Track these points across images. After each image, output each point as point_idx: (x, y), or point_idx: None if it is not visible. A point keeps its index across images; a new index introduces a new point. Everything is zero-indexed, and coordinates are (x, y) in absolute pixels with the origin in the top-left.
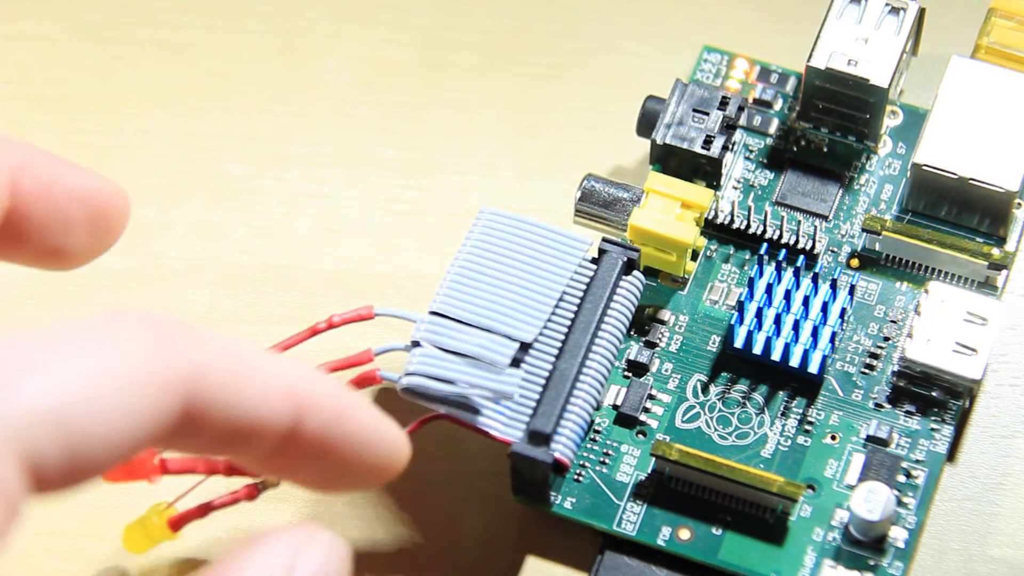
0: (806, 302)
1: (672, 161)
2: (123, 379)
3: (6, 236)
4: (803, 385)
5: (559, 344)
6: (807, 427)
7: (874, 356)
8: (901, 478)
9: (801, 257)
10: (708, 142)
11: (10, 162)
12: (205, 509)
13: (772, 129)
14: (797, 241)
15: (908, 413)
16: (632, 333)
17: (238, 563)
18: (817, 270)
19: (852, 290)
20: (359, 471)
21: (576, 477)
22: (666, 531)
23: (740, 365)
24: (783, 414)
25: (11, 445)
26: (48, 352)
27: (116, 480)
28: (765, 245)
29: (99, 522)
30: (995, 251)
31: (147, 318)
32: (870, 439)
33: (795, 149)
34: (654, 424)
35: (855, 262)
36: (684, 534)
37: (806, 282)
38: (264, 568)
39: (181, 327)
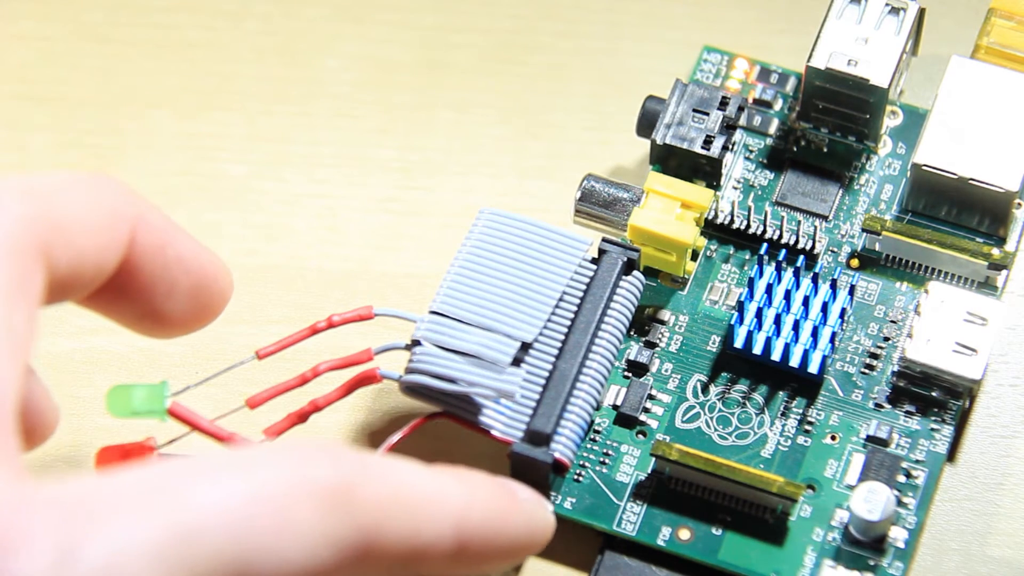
0: (806, 302)
1: (672, 161)
2: (300, 511)
3: (113, 290)
4: (803, 385)
5: (559, 344)
6: (807, 427)
7: (874, 356)
8: (901, 478)
9: (801, 257)
10: (708, 142)
11: (133, 214)
12: None
13: (772, 129)
14: (797, 241)
15: (908, 413)
16: (632, 333)
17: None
18: (817, 270)
19: (852, 290)
20: (512, 558)
21: (576, 477)
22: (666, 531)
23: (740, 365)
24: (783, 414)
25: (164, 560)
26: (227, 470)
27: None
28: (765, 245)
29: None
30: (995, 251)
31: (328, 453)
32: (870, 439)
33: (795, 149)
34: (654, 424)
35: (855, 262)
36: (684, 534)
37: (806, 282)
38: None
39: (356, 461)
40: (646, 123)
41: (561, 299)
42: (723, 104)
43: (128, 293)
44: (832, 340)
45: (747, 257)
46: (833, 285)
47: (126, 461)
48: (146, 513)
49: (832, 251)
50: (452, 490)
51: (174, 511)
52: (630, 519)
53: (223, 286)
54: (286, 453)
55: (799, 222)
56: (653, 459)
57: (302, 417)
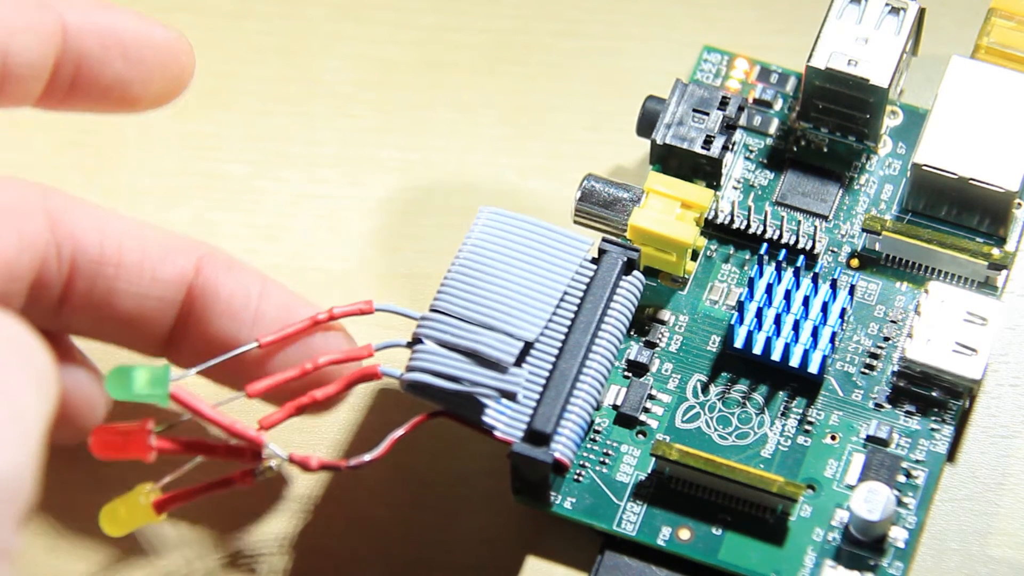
0: (806, 302)
1: (672, 161)
2: None
3: (70, 78)
4: (803, 385)
5: (559, 344)
6: (807, 427)
7: (874, 356)
8: (901, 478)
9: (801, 257)
10: (708, 142)
11: (56, 4)
12: (194, 492)
13: (772, 129)
14: (797, 241)
15: (908, 413)
16: (632, 333)
17: None
18: (817, 270)
19: (852, 290)
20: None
21: (576, 477)
22: (666, 531)
23: (740, 365)
24: (783, 414)
25: None
26: None
27: (108, 457)
28: (765, 245)
29: (95, 518)
30: (995, 251)
31: None
32: (870, 439)
33: (795, 149)
34: (654, 424)
35: (855, 262)
36: (684, 534)
37: (806, 282)
38: None
39: None
40: (646, 123)
41: (561, 299)
42: (723, 104)
43: (84, 75)
44: (832, 340)
45: (747, 257)
46: (833, 285)
47: (122, 442)
48: None
49: (832, 251)
50: None
51: None
52: (630, 519)
53: (178, 52)
54: None
55: (799, 222)
56: (653, 459)
57: (300, 409)
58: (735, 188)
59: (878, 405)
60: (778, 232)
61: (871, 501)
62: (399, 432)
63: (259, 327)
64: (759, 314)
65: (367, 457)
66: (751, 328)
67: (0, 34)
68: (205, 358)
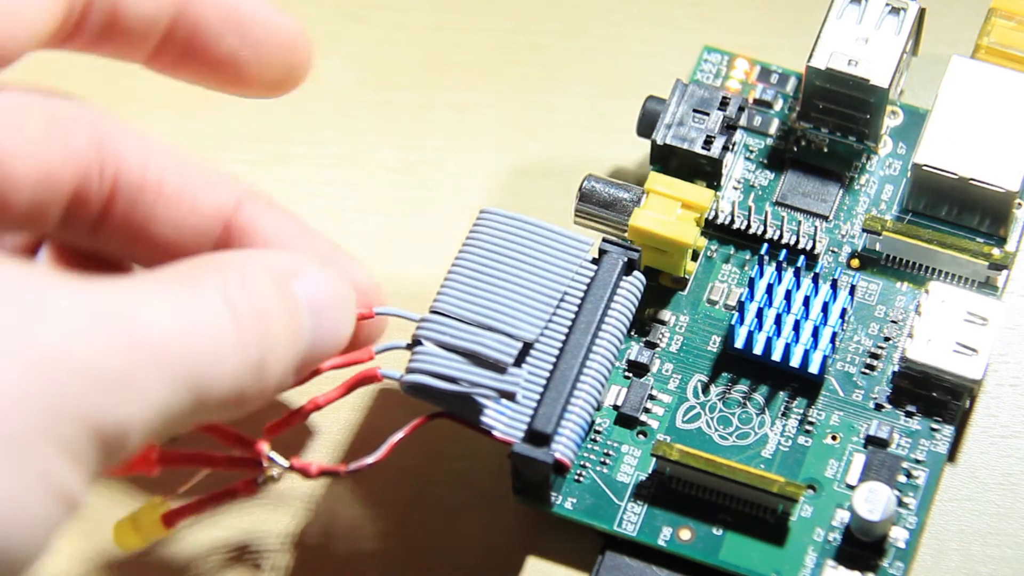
0: (807, 302)
1: (672, 161)
2: None
3: (183, 43)
4: (804, 385)
5: (560, 344)
6: (808, 427)
7: (875, 356)
8: (902, 478)
9: (801, 257)
10: (708, 142)
11: None
12: (201, 504)
13: (772, 129)
14: (797, 241)
15: (909, 413)
16: (633, 333)
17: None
18: (817, 270)
19: (852, 290)
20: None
21: (577, 477)
22: (667, 531)
23: (741, 365)
24: (784, 414)
25: None
26: None
27: (112, 473)
28: (765, 245)
29: (98, 522)
30: (995, 251)
31: None
32: (871, 439)
33: (795, 149)
34: (655, 424)
35: (855, 262)
36: (685, 534)
37: (806, 282)
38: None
39: None
40: (646, 123)
41: (562, 299)
42: (723, 104)
43: (199, 46)
44: (833, 340)
45: (747, 257)
46: (834, 285)
47: (129, 466)
48: None
49: (832, 251)
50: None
51: None
52: (631, 519)
53: (298, 43)
54: None
55: (799, 222)
56: (654, 459)
57: (302, 415)
58: (735, 188)
59: (879, 405)
60: (778, 232)
61: (872, 501)
62: (399, 435)
63: None
64: (759, 314)
65: (367, 460)
66: (752, 328)
67: None
68: None
